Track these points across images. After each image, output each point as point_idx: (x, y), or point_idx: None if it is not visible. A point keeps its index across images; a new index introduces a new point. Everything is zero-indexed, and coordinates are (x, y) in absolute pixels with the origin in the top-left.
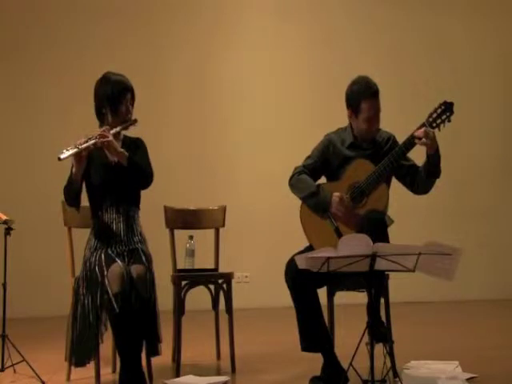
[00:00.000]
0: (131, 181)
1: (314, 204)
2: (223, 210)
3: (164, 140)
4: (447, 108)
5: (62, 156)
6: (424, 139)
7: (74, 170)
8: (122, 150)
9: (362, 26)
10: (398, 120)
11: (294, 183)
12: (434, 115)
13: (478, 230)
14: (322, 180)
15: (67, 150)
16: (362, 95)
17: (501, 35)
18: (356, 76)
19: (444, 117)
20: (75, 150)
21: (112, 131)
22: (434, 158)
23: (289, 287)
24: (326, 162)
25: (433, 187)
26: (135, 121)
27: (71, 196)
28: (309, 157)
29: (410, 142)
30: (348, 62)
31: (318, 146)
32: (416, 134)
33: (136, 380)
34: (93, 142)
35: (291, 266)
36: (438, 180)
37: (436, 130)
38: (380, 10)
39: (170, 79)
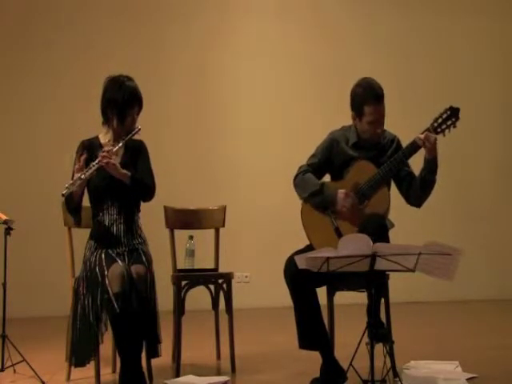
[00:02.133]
0: (133, 197)
1: (319, 202)
2: (223, 210)
3: (164, 140)
4: (453, 113)
5: (67, 192)
6: (426, 142)
7: (74, 188)
8: (125, 171)
9: (362, 27)
10: (397, 120)
11: (299, 183)
12: (439, 120)
13: (478, 230)
14: (326, 178)
15: (72, 185)
16: (366, 99)
17: (500, 36)
18: (361, 77)
19: (449, 122)
20: (80, 181)
21: (115, 148)
22: (430, 164)
23: (288, 285)
24: (329, 159)
25: (425, 201)
26: (138, 130)
27: (71, 207)
28: (313, 155)
29: (413, 148)
30: (348, 63)
31: (322, 144)
32: (418, 137)
33: (136, 380)
34: (96, 167)
35: (291, 264)
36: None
37: (440, 135)
38: (381, 10)
39: (171, 79)
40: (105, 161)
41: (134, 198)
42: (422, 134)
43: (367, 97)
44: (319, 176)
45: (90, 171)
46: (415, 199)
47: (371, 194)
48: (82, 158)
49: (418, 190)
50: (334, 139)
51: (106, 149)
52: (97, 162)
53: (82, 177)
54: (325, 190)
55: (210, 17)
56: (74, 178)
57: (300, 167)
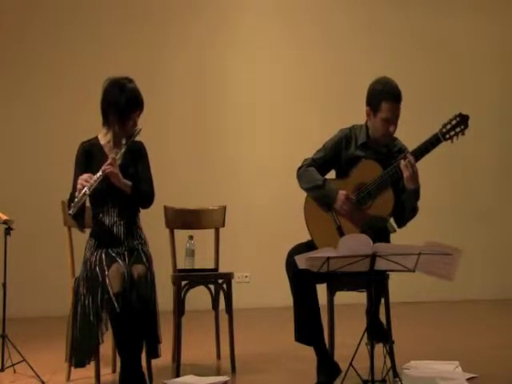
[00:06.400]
0: (133, 205)
1: (318, 197)
2: (223, 210)
3: (164, 140)
4: (462, 121)
5: (73, 210)
6: (405, 167)
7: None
8: (126, 181)
9: (361, 28)
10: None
11: (301, 174)
12: (448, 126)
13: (478, 230)
14: (332, 174)
15: (78, 202)
16: (385, 96)
17: (501, 35)
18: (378, 76)
19: (458, 129)
20: (85, 197)
21: (118, 156)
22: (410, 195)
23: (289, 279)
24: (336, 156)
25: (405, 224)
26: (140, 130)
27: (77, 215)
28: (320, 150)
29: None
30: (348, 62)
31: (331, 140)
32: (407, 157)
33: (136, 380)
34: (101, 178)
35: (292, 258)
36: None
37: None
38: (380, 10)
39: (171, 79)
40: (109, 170)
41: (133, 206)
42: (429, 140)
43: (387, 93)
44: (323, 172)
45: (95, 184)
46: (396, 218)
47: (376, 194)
48: (87, 175)
49: (399, 211)
50: (344, 137)
51: (110, 158)
52: (101, 173)
53: (87, 192)
54: (326, 185)
55: (210, 16)
56: (79, 194)
57: (305, 160)
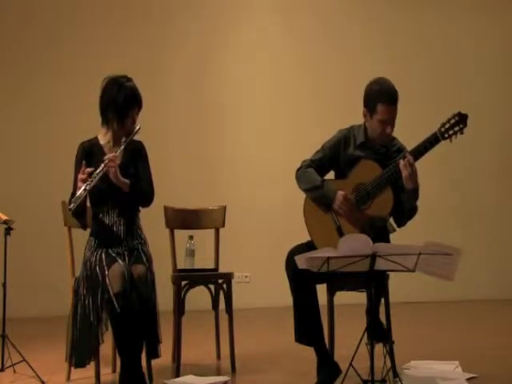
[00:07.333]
0: (132, 203)
1: (317, 197)
2: (223, 210)
3: (164, 140)
4: (461, 120)
5: (73, 206)
6: (404, 166)
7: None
8: (124, 180)
9: (362, 26)
10: (397, 121)
11: (300, 175)
12: (447, 125)
13: (478, 229)
14: (331, 175)
15: (77, 198)
16: (381, 98)
17: (502, 35)
18: (377, 76)
19: (457, 128)
20: (85, 193)
21: (117, 153)
22: (409, 195)
23: (289, 277)
24: (335, 157)
25: (405, 224)
26: (138, 129)
27: (78, 214)
28: (318, 151)
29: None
30: (349, 61)
31: (329, 141)
32: (406, 157)
33: (136, 380)
34: (100, 175)
35: (292, 259)
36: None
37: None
38: (381, 9)
39: (170, 79)
40: (108, 157)
41: (132, 204)
42: (427, 139)
43: (383, 95)
44: (322, 173)
45: (95, 181)
46: (395, 218)
47: (375, 194)
48: (87, 170)
49: (399, 211)
50: (342, 137)
51: (109, 155)
52: (100, 169)
53: (87, 188)
54: (325, 186)
55: (210, 16)
56: (79, 190)
57: (303, 161)
